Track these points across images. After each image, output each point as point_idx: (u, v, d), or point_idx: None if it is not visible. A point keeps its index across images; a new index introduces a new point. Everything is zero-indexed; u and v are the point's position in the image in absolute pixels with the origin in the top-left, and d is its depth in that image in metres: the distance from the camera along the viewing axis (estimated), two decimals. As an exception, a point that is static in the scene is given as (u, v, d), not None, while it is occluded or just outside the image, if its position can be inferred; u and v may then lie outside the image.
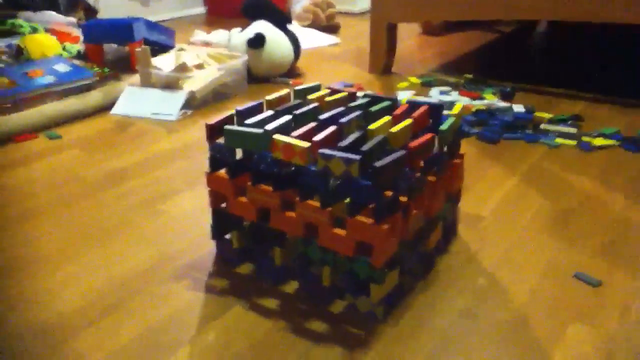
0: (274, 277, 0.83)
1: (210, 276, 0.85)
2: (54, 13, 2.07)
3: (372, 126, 0.77)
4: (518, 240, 0.94)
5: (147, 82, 1.64)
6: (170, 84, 1.62)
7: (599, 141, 1.34)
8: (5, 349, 0.71)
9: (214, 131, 0.82)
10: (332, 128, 0.77)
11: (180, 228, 0.99)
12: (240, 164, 0.82)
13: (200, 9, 3.34)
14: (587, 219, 1.01)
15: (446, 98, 1.66)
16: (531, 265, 0.87)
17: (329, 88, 0.96)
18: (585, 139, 1.35)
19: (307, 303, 0.79)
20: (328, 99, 0.90)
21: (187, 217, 1.03)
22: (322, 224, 0.74)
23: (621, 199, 1.08)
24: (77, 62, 1.75)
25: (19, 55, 1.74)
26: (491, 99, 1.64)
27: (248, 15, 1.96)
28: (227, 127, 0.78)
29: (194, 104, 1.60)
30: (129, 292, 0.82)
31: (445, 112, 0.89)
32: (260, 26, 1.86)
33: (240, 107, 0.84)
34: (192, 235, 0.96)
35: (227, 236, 0.89)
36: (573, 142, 1.34)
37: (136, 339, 0.72)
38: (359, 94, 0.94)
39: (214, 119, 0.82)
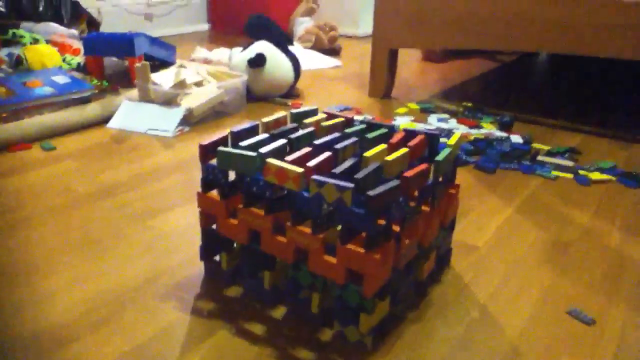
0: (263, 300, 0.82)
1: (198, 297, 0.83)
2: (56, 24, 2.07)
3: (368, 153, 0.76)
4: (512, 272, 0.93)
5: (145, 97, 1.64)
6: (168, 100, 1.62)
7: (595, 175, 1.33)
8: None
9: (207, 151, 0.81)
10: (327, 154, 0.76)
11: (171, 245, 0.98)
12: (232, 186, 0.81)
13: (204, 26, 3.36)
14: (582, 253, 1.00)
15: (444, 125, 1.66)
16: (525, 298, 0.86)
17: (326, 113, 0.95)
18: (582, 172, 1.35)
19: (295, 329, 0.77)
20: (324, 123, 0.89)
21: (178, 235, 1.01)
22: (312, 250, 0.72)
23: (618, 234, 1.07)
24: (76, 74, 1.75)
25: (19, 65, 1.74)
26: (489, 128, 1.64)
27: (250, 35, 1.97)
28: (221, 148, 0.78)
29: (192, 121, 1.60)
30: (116, 308, 0.80)
31: (443, 139, 0.89)
32: (262, 46, 1.86)
33: (235, 129, 0.83)
34: (182, 253, 0.95)
35: (217, 257, 0.88)
36: (570, 175, 1.33)
37: (122, 356, 0.71)
38: (357, 118, 0.93)
39: (208, 138, 0.82)
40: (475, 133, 1.59)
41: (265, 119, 0.88)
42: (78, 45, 1.97)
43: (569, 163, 1.40)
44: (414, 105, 1.87)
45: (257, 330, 0.77)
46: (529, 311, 0.83)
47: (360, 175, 0.69)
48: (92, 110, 1.60)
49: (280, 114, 0.90)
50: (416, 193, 0.78)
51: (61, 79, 1.64)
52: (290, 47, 2.00)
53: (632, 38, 1.47)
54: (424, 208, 0.81)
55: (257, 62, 1.81)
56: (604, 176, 1.33)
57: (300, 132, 0.84)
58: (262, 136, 0.82)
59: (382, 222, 0.70)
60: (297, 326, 0.78)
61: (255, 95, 1.87)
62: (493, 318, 0.81)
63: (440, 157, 0.81)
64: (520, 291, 0.88)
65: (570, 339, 0.77)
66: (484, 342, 0.76)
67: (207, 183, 0.83)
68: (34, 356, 0.71)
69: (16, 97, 1.51)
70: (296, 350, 0.73)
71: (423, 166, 0.77)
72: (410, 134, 0.87)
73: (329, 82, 2.19)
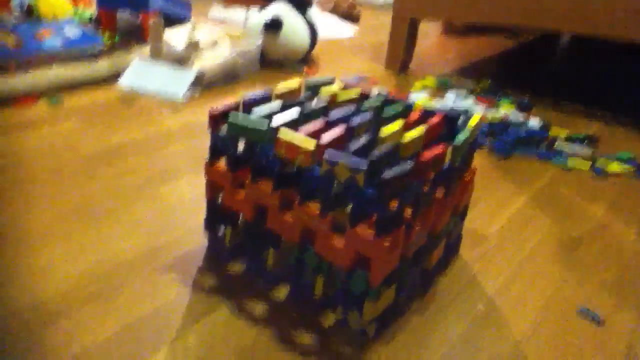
0: (265, 280, 0.80)
1: (199, 271, 0.81)
2: (69, -26, 2.01)
3: (383, 133, 0.72)
4: (522, 266, 0.90)
5: (157, 56, 1.60)
6: (180, 61, 1.58)
7: (613, 166, 1.29)
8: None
9: (217, 119, 0.78)
10: (340, 128, 0.72)
11: (175, 216, 0.95)
12: (241, 157, 0.78)
13: (221, -16, 3.28)
14: (596, 251, 0.97)
15: (462, 103, 1.61)
16: (534, 295, 0.83)
17: (342, 82, 0.91)
18: (599, 163, 1.31)
19: (297, 311, 0.75)
20: (340, 95, 0.85)
21: (184, 205, 0.99)
22: (320, 231, 0.70)
23: (633, 232, 1.04)
24: (88, 27, 1.70)
25: (30, 14, 1.69)
26: (508, 109, 1.60)
27: (268, -5, 1.91)
28: (232, 115, 0.74)
29: (203, 84, 1.56)
30: (114, 281, 0.78)
31: (462, 119, 0.85)
32: (279, 9, 1.81)
33: (247, 97, 0.80)
34: (186, 225, 0.93)
35: (221, 232, 0.85)
36: (587, 164, 1.29)
37: (116, 334, 0.69)
38: (373, 91, 0.89)
39: (220, 103, 0.78)
40: (493, 114, 1.55)
41: (278, 88, 0.84)
42: (91, -3, 1.92)
43: (587, 151, 1.36)
44: (431, 80, 1.82)
45: (259, 310, 0.75)
46: (537, 308, 0.81)
47: (374, 156, 0.66)
48: (102, 65, 1.56)
49: (293, 82, 0.86)
50: (431, 176, 0.74)
51: (72, 32, 1.60)
52: (309, 10, 1.93)
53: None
54: (438, 193, 0.78)
55: (273, 26, 1.75)
56: (623, 167, 1.29)
57: (315, 103, 0.81)
58: (275, 105, 0.79)
59: (394, 205, 0.67)
60: (299, 308, 0.76)
61: (270, 60, 1.82)
62: (499, 314, 0.79)
63: (458, 140, 0.77)
64: (528, 287, 0.85)
65: (579, 339, 0.75)
66: (488, 338, 0.74)
67: (215, 152, 0.80)
68: (28, 330, 0.69)
69: (25, 48, 1.47)
70: (296, 333, 0.71)
71: (440, 149, 0.73)
72: (428, 112, 0.83)
73: (345, 51, 2.14)
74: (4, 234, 0.86)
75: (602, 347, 0.74)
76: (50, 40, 1.52)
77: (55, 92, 1.44)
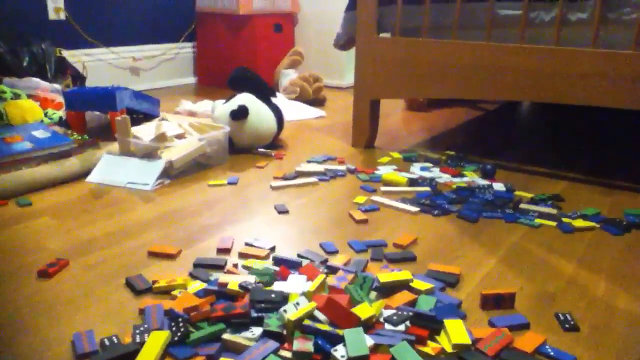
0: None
1: (168, 360, 0.80)
2: (38, 79, 2.08)
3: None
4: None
5: (126, 151, 1.63)
6: (149, 153, 1.60)
7: (579, 223, 1.32)
8: None
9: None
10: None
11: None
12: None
13: (191, 79, 3.39)
14: (569, 303, 0.97)
15: (427, 174, 1.65)
16: (509, 354, 0.83)
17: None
18: (565, 220, 1.33)
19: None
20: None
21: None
22: None
23: (604, 283, 1.05)
24: (57, 128, 1.74)
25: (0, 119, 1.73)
26: (472, 177, 1.64)
27: (234, 88, 1.98)
28: None
29: (172, 174, 1.58)
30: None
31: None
32: (244, 98, 1.87)
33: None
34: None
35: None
36: (553, 223, 1.32)
37: None
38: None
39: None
40: (457, 182, 1.59)
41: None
42: (61, 99, 1.97)
43: (553, 210, 1.39)
44: (397, 155, 1.87)
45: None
46: (514, 367, 0.80)
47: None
48: (71, 164, 1.58)
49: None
50: None
51: (41, 134, 1.63)
52: (274, 99, 2.01)
53: (606, 86, 1.48)
54: None
55: (239, 114, 1.81)
56: (588, 223, 1.31)
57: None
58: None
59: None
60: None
61: (238, 147, 1.86)
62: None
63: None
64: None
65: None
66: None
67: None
68: None
69: (-6, 152, 1.49)
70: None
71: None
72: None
73: (312, 132, 2.20)
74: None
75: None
76: (20, 144, 1.55)
77: (25, 193, 1.45)
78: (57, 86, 2.10)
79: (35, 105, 1.83)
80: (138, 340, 0.80)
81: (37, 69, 2.23)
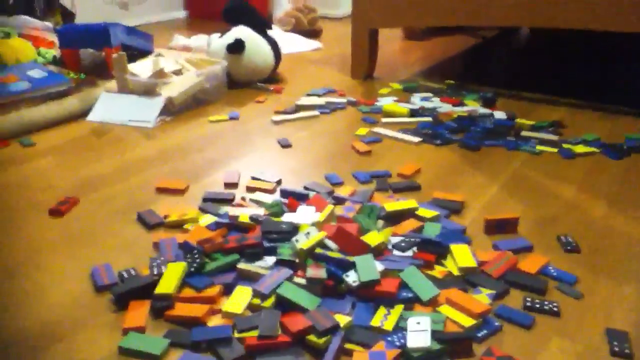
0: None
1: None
2: (28, 17, 2.02)
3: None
4: (500, 250, 0.93)
5: (124, 88, 1.61)
6: (147, 90, 1.59)
7: (579, 148, 1.33)
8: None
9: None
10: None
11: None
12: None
13: (181, 13, 3.31)
14: (570, 227, 1.00)
15: (428, 104, 1.65)
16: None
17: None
18: (566, 146, 1.35)
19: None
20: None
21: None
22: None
23: (603, 207, 1.07)
24: (52, 67, 1.71)
25: (-7, 60, 1.69)
26: (473, 105, 1.64)
27: (228, 20, 1.94)
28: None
29: (172, 110, 1.57)
30: (103, 304, 0.79)
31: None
32: (240, 31, 1.84)
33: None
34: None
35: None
36: (554, 150, 1.33)
37: (110, 355, 0.70)
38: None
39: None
40: (458, 111, 1.59)
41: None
42: (52, 38, 1.92)
43: (553, 137, 1.40)
44: (397, 85, 1.86)
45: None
46: (519, 287, 0.83)
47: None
48: (70, 103, 1.57)
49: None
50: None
51: (37, 73, 1.60)
52: (269, 31, 1.97)
53: (605, 9, 1.46)
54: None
55: (236, 47, 1.78)
56: (588, 149, 1.33)
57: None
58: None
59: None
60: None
61: (236, 81, 1.84)
62: (483, 296, 0.81)
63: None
64: (509, 268, 0.88)
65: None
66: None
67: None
68: (21, 355, 0.70)
69: (-9, 93, 1.47)
70: None
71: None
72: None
73: (310, 65, 2.17)
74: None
75: (581, 319, 0.77)
76: (17, 84, 1.53)
77: (27, 133, 1.44)
78: (48, 24, 2.04)
79: (28, 44, 1.79)
80: (156, 272, 0.82)
81: (24, 7, 2.17)
